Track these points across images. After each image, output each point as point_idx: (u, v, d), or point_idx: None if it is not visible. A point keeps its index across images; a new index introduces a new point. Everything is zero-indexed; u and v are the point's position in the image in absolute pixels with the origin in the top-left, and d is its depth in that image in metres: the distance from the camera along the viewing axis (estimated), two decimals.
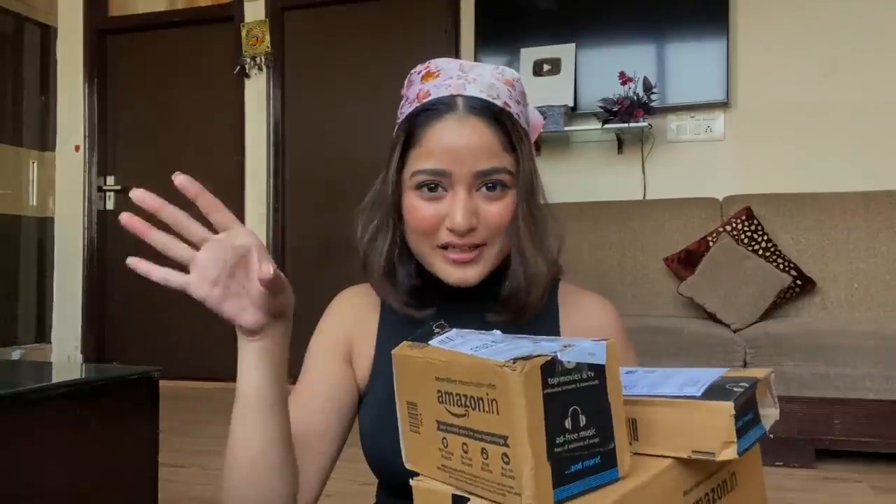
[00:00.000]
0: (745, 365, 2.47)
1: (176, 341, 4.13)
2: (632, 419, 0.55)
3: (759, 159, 3.30)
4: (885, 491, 2.17)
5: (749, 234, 2.92)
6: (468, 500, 0.52)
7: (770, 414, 0.55)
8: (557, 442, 0.47)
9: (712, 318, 2.76)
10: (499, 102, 0.78)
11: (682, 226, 3.10)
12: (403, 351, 0.58)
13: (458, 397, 0.51)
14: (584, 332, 0.83)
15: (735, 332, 2.62)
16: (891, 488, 2.19)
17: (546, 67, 3.45)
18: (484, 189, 0.77)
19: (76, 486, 1.38)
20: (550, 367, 0.47)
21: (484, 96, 0.78)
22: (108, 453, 1.45)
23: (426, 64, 0.83)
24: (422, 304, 0.83)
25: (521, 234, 0.78)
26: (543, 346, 0.50)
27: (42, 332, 4.32)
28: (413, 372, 0.57)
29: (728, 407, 0.50)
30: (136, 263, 0.64)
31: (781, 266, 2.84)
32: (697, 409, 0.52)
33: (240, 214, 4.02)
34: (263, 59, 4.01)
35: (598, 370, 0.50)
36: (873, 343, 2.38)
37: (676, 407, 0.53)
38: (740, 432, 0.50)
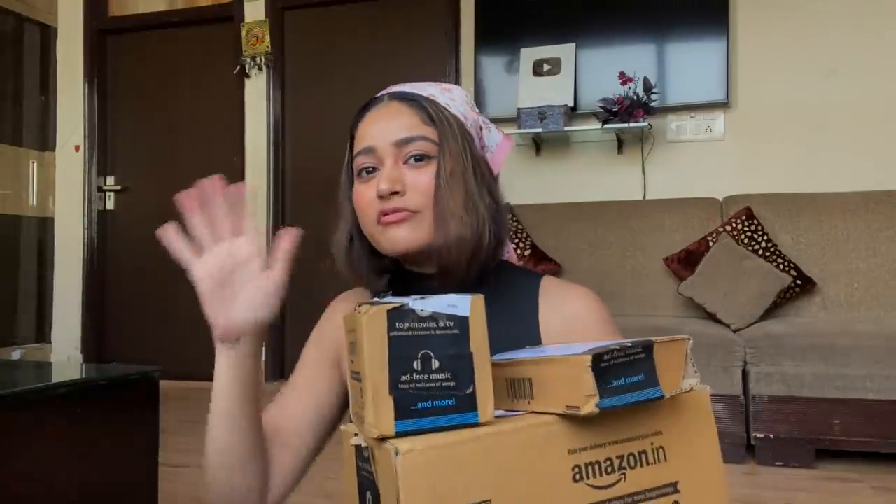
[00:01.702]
0: (745, 365, 2.48)
1: (176, 341, 4.13)
2: (528, 378, 0.57)
3: (759, 159, 3.30)
4: (885, 491, 2.17)
5: (749, 234, 2.92)
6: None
7: (691, 382, 0.56)
8: (403, 379, 0.51)
9: (712, 318, 2.76)
10: (423, 93, 0.87)
11: (682, 226, 3.10)
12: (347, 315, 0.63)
13: (350, 345, 0.56)
14: (561, 319, 0.86)
15: (735, 332, 2.62)
16: (891, 488, 2.19)
17: (546, 67, 3.45)
18: (411, 160, 0.84)
19: (76, 486, 1.38)
20: (399, 314, 0.52)
21: (407, 89, 0.88)
22: (108, 453, 1.45)
23: None
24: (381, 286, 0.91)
25: (442, 196, 0.82)
26: (410, 299, 0.53)
27: (42, 332, 4.32)
28: (347, 332, 0.61)
29: (584, 360, 0.51)
30: (164, 233, 0.72)
31: (781, 266, 2.84)
32: (565, 364, 0.53)
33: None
34: (263, 59, 4.01)
35: (461, 321, 0.53)
36: (873, 343, 2.38)
37: (556, 364, 0.54)
38: (614, 390, 0.51)
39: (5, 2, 4.09)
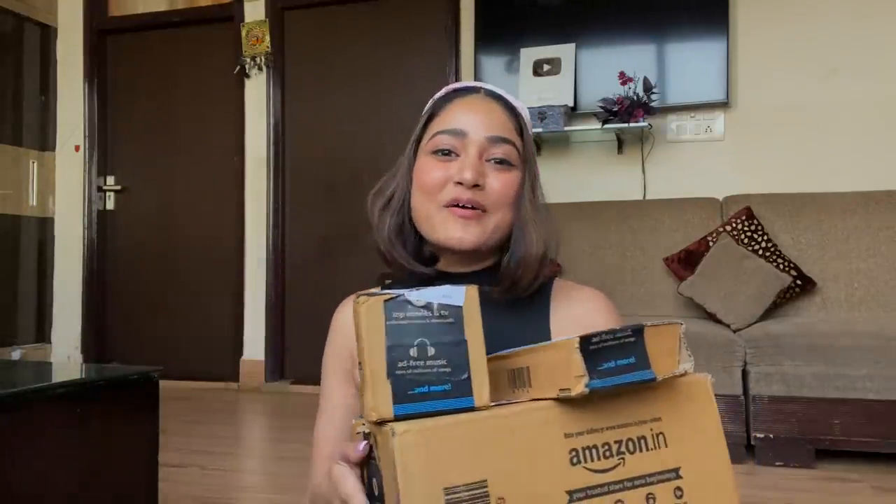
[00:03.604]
0: (745, 365, 2.48)
1: (176, 341, 4.13)
2: (526, 367, 0.59)
3: (759, 159, 3.30)
4: (885, 491, 2.17)
5: (749, 234, 2.92)
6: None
7: (685, 367, 0.57)
8: (400, 366, 0.54)
9: (712, 318, 2.76)
10: (514, 102, 0.90)
11: (682, 226, 3.10)
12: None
13: (356, 335, 0.59)
14: (571, 320, 0.86)
15: (735, 332, 2.62)
16: (891, 488, 2.19)
17: (546, 67, 3.45)
18: (493, 162, 0.84)
19: (76, 486, 1.38)
20: (395, 304, 0.54)
21: (501, 92, 0.90)
22: (108, 453, 1.45)
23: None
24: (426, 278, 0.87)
25: (525, 209, 0.85)
26: (407, 290, 0.56)
27: (42, 332, 4.32)
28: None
29: (573, 342, 0.52)
30: None
31: (781, 266, 2.84)
32: (557, 349, 0.55)
33: (240, 214, 4.03)
34: (263, 59, 4.01)
35: (455, 310, 0.55)
36: (873, 343, 2.38)
37: (548, 350, 0.56)
38: (605, 372, 0.53)
39: (5, 2, 4.09)
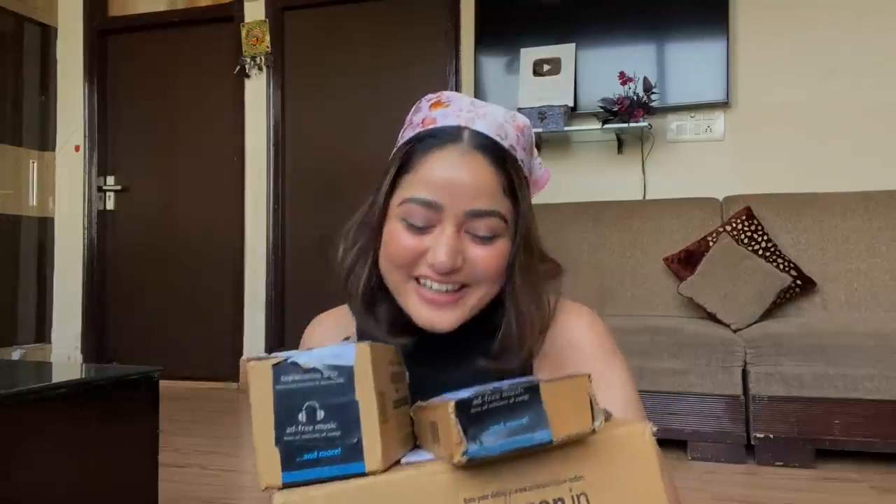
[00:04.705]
0: (745, 365, 2.48)
1: (176, 341, 4.13)
2: (434, 422, 0.55)
3: (759, 159, 3.30)
4: (885, 491, 2.17)
5: (749, 234, 2.92)
6: None
7: (597, 425, 0.52)
8: (288, 431, 0.52)
9: (712, 318, 2.76)
10: (505, 144, 0.76)
11: (682, 226, 3.10)
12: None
13: None
14: (552, 347, 0.81)
15: (735, 332, 2.62)
16: (891, 488, 2.19)
17: (546, 67, 3.45)
18: (477, 237, 0.75)
19: (76, 486, 1.38)
20: (284, 367, 0.52)
21: (492, 135, 0.76)
22: (108, 453, 1.46)
23: (437, 94, 0.81)
24: (404, 335, 0.79)
25: (517, 284, 0.76)
26: (296, 353, 0.54)
27: (42, 332, 4.32)
28: None
29: (448, 406, 0.49)
30: None
31: (781, 266, 2.84)
32: (439, 410, 0.51)
33: (240, 214, 4.03)
34: (263, 59, 4.01)
35: (345, 371, 0.52)
36: (873, 343, 2.38)
37: (437, 410, 0.52)
38: (491, 436, 0.49)
39: (5, 2, 4.09)
